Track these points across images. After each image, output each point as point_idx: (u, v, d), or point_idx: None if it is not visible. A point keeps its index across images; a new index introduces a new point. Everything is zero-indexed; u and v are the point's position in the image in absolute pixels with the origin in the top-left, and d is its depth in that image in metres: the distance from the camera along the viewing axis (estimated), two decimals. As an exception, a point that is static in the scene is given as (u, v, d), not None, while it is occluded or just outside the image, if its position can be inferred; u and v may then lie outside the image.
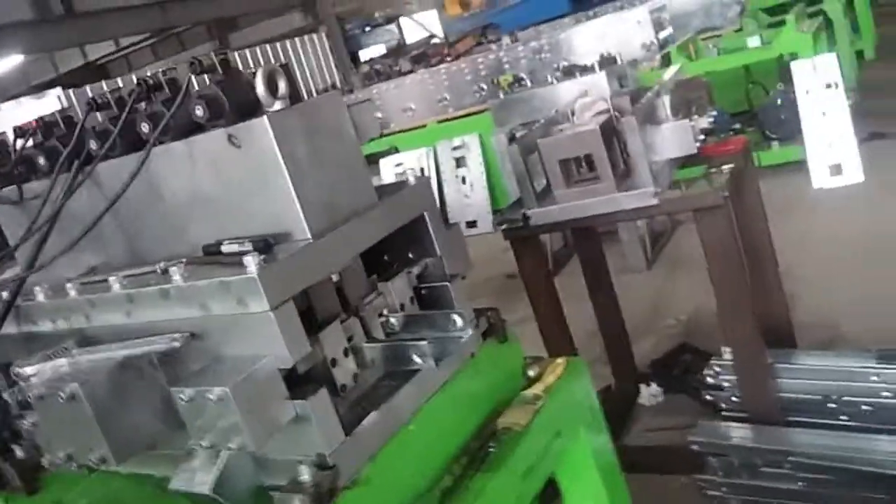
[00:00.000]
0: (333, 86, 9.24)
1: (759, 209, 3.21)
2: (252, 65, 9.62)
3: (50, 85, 11.66)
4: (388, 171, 6.13)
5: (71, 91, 7.81)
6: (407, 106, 6.43)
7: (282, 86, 1.46)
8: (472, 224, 5.89)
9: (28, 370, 1.53)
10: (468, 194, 5.95)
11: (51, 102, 7.77)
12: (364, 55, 16.01)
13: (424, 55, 9.61)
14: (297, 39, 10.68)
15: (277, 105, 1.44)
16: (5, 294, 1.69)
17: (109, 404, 1.41)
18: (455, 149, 6.03)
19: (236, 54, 9.55)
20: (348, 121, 1.58)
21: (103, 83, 7.97)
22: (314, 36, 11.11)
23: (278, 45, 10.60)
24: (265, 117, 1.40)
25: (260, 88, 1.43)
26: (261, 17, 15.41)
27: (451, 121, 6.13)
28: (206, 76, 1.51)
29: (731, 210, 2.62)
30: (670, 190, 2.68)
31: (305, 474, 1.31)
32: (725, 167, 2.71)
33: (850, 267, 4.32)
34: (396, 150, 6.04)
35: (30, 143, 1.80)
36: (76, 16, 12.17)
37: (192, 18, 13.28)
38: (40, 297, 1.68)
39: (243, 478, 1.43)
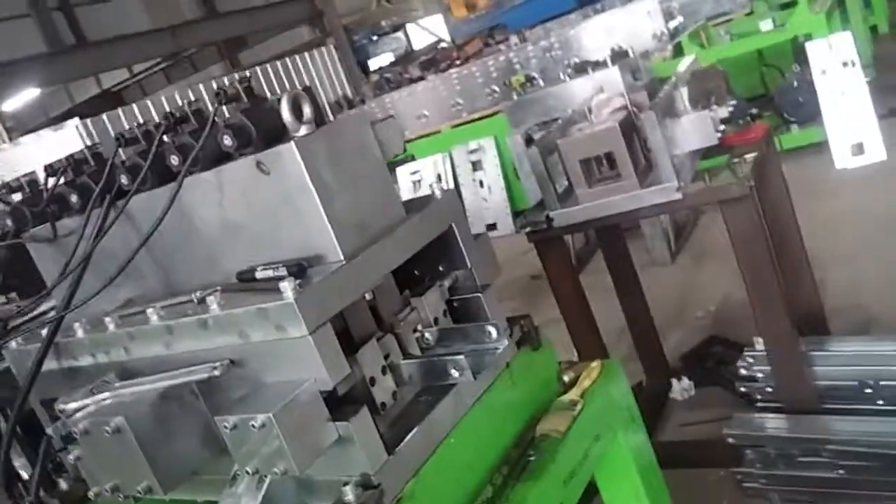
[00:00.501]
0: (345, 97, 9.27)
1: (784, 196, 3.19)
2: (264, 81, 9.69)
3: (67, 115, 11.83)
4: (405, 179, 6.15)
5: (89, 121, 7.90)
6: (420, 113, 6.44)
7: (307, 110, 1.47)
8: (492, 227, 5.88)
9: (72, 405, 1.56)
10: (486, 197, 5.95)
11: (69, 133, 7.86)
12: (373, 64, 16.06)
13: (434, 60, 9.63)
14: (306, 53, 10.73)
15: (304, 129, 1.46)
16: (44, 332, 1.72)
17: (154, 435, 1.43)
18: (471, 152, 6.03)
19: (247, 72, 9.64)
20: (373, 139, 1.59)
21: (119, 111, 8.04)
22: (323, 49, 11.16)
23: (288, 60, 10.66)
24: (292, 143, 1.42)
25: (286, 114, 1.45)
26: (269, 34, 15.53)
27: (465, 125, 6.12)
28: (230, 105, 1.54)
29: (756, 199, 2.60)
30: (693, 183, 2.67)
31: (350, 494, 1.32)
32: (748, 156, 2.69)
33: (879, 247, 4.27)
34: (413, 158, 6.04)
35: (61, 180, 1.84)
36: (88, 45, 12.36)
37: (202, 40, 13.42)
38: (80, 333, 1.71)
39: (287, 500, 1.45)
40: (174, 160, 1.57)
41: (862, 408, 2.71)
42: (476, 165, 6.10)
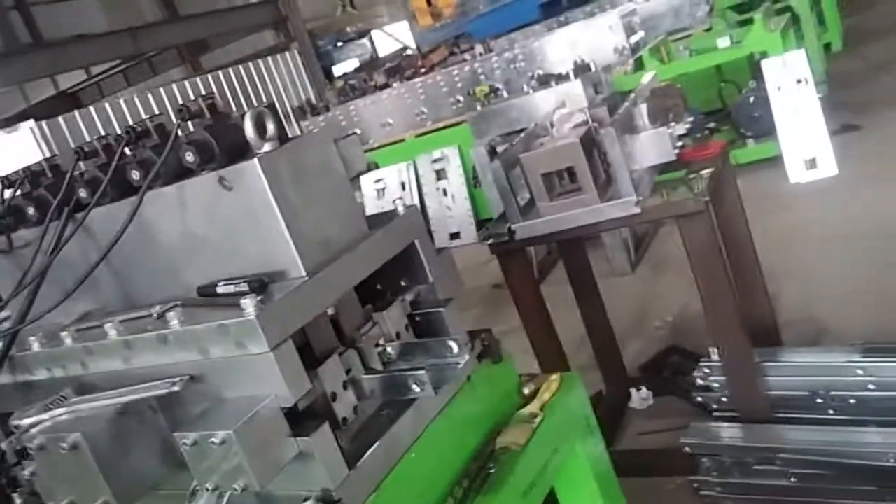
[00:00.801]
0: (308, 102, 9.23)
1: (739, 210, 3.27)
2: (226, 86, 9.60)
3: (22, 116, 11.56)
4: (369, 186, 6.14)
5: (44, 123, 7.74)
6: (385, 121, 6.47)
7: (270, 127, 1.48)
8: (455, 236, 5.90)
9: (27, 421, 1.54)
10: (450, 206, 5.97)
11: (24, 135, 7.69)
12: (337, 70, 16.01)
13: (399, 68, 9.64)
14: (269, 58, 10.67)
15: (267, 146, 1.47)
16: (-1, 343, 1.70)
17: (111, 451, 1.42)
18: (435, 161, 6.05)
19: (209, 76, 9.52)
20: (337, 156, 1.60)
21: (76, 113, 7.89)
22: (287, 54, 11.10)
23: (251, 64, 10.57)
24: (255, 159, 1.43)
25: (249, 131, 1.45)
26: (232, 38, 15.38)
27: (429, 134, 6.15)
28: (193, 120, 1.54)
29: (712, 214, 2.66)
30: (652, 197, 2.72)
31: None
32: (705, 171, 2.76)
33: (831, 261, 4.40)
34: (377, 166, 6.04)
35: (18, 192, 1.81)
36: (44, 45, 12.09)
37: (163, 43, 13.24)
38: (35, 347, 1.69)
39: (248, 514, 1.45)
40: (135, 175, 1.56)
41: (814, 417, 2.78)
42: (440, 174, 6.12)
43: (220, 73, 9.82)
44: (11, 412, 1.65)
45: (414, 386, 1.53)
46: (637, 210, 2.66)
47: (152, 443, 1.47)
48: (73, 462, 1.39)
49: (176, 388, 1.40)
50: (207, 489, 1.32)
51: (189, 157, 1.49)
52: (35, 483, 1.57)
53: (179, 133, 1.52)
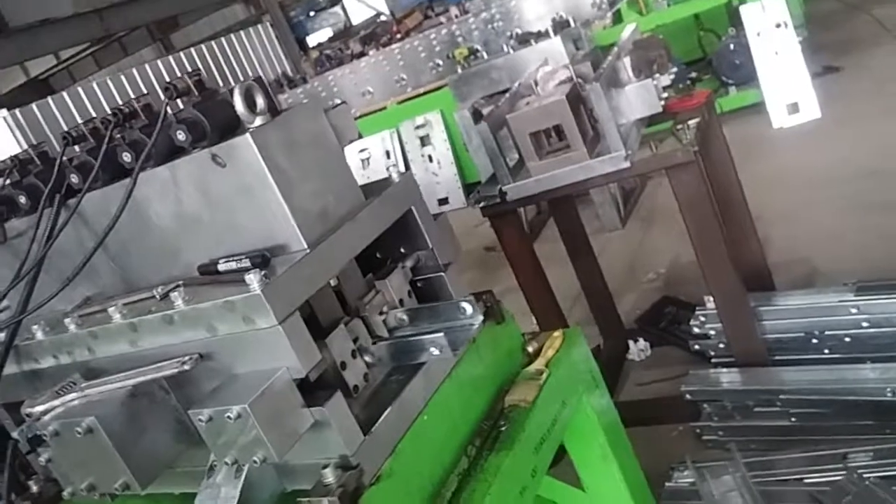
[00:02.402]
0: (285, 75, 9.10)
1: (727, 158, 3.29)
2: (200, 64, 9.44)
3: (-6, 106, 11.33)
4: (353, 157, 6.09)
5: (17, 111, 7.60)
6: (365, 89, 6.40)
7: (260, 101, 1.46)
8: (443, 201, 5.89)
9: (39, 408, 1.54)
10: (436, 172, 5.94)
11: (-4, 125, 7.54)
12: (312, 41, 15.79)
13: (374, 35, 9.55)
14: (241, 33, 10.47)
15: (258, 121, 1.45)
16: (1, 336, 1.69)
17: (126, 432, 1.43)
18: (418, 128, 6.01)
19: (182, 55, 9.35)
20: (328, 127, 1.59)
21: (49, 99, 7.74)
22: (259, 27, 10.90)
23: (223, 40, 10.38)
24: (248, 134, 1.41)
25: (239, 106, 1.44)
26: (202, 14, 15.08)
27: (410, 100, 6.10)
28: (182, 99, 1.52)
29: (701, 164, 2.68)
30: (641, 150, 2.73)
31: (330, 476, 1.35)
32: (691, 122, 2.76)
33: (819, 202, 4.44)
34: (360, 136, 6.00)
35: (7, 181, 1.79)
36: (10, 32, 11.79)
37: (132, 23, 12.94)
38: (39, 335, 1.68)
39: (267, 486, 1.47)
40: (126, 157, 1.54)
41: (810, 357, 2.84)
42: (424, 140, 6.08)
43: (192, 50, 9.63)
44: (20, 402, 1.66)
45: (432, 349, 1.54)
46: (627, 164, 2.66)
47: (166, 422, 1.48)
48: (90, 445, 1.40)
49: (186, 367, 1.40)
50: (226, 463, 1.34)
51: (180, 135, 1.48)
52: (51, 469, 1.58)
53: (168, 112, 1.50)
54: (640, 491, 2.08)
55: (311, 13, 16.89)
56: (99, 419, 1.38)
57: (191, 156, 1.50)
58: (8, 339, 1.66)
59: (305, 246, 1.46)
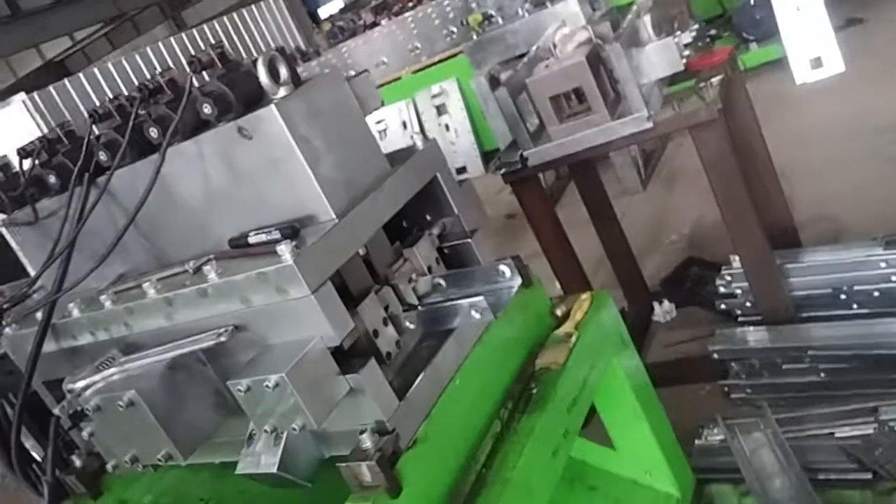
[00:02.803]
0: (298, 49, 9.06)
1: (751, 115, 3.23)
2: (213, 40, 9.41)
3: (12, 90, 11.41)
4: (371, 126, 6.08)
5: (36, 94, 7.64)
6: (379, 60, 6.36)
7: (283, 71, 1.46)
8: (461, 170, 5.87)
9: (80, 384, 1.57)
10: (454, 141, 5.92)
11: (16, 108, 7.58)
12: (323, 13, 15.67)
13: (386, 4, 9.42)
14: (253, 7, 10.40)
15: (282, 91, 1.45)
16: (39, 315, 1.72)
17: (167, 405, 1.46)
18: (434, 97, 5.97)
19: (195, 31, 9.32)
20: (351, 96, 1.59)
21: (66, 81, 7.77)
22: (270, 0, 10.82)
23: (235, 15, 10.32)
24: (272, 105, 1.42)
25: (263, 77, 1.44)
26: (212, -11, 15.01)
27: (425, 69, 6.05)
28: (206, 72, 1.52)
29: (725, 122, 2.64)
30: (663, 110, 2.69)
31: (368, 441, 1.37)
32: (714, 79, 2.71)
33: (843, 157, 4.36)
34: (382, 103, 5.97)
35: (36, 162, 1.81)
36: (24, 15, 11.83)
37: (144, 1, 12.94)
38: (76, 313, 1.71)
39: (306, 452, 1.50)
40: (153, 133, 1.55)
41: (838, 313, 2.82)
42: (440, 109, 6.05)
43: (205, 26, 9.60)
44: (59, 379, 1.70)
45: (473, 313, 1.55)
46: (649, 125, 2.63)
47: (205, 393, 1.51)
48: (131, 418, 1.43)
49: (223, 339, 1.42)
50: (266, 431, 1.36)
51: (206, 109, 1.48)
52: (94, 443, 1.62)
53: (194, 85, 1.51)
54: (672, 449, 2.10)
55: (319, -16, 16.74)
56: (140, 392, 1.41)
57: (217, 129, 1.50)
58: (45, 317, 1.69)
59: (334, 216, 1.47)
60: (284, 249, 1.34)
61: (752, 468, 2.02)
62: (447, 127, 6.09)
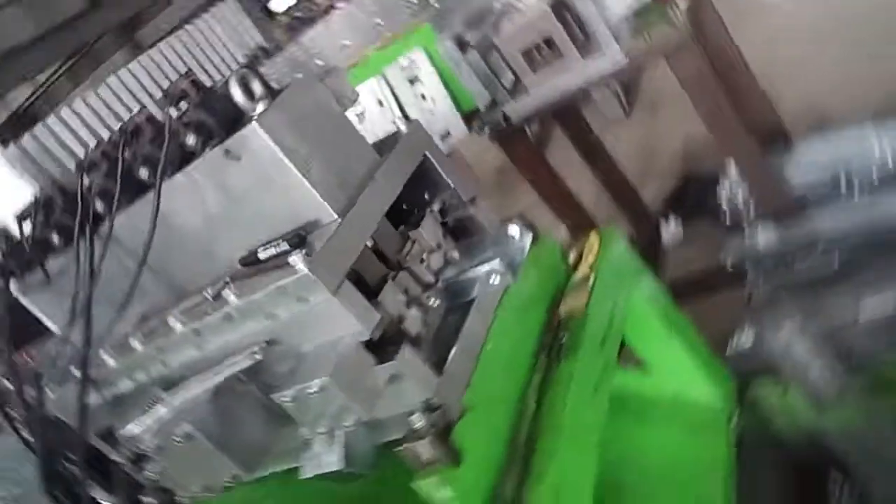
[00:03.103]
0: (260, 48, 8.98)
1: (721, 26, 3.22)
2: (175, 56, 9.33)
3: (-14, 151, 11.34)
4: (348, 112, 6.06)
5: (13, 146, 7.59)
6: (341, 43, 6.31)
7: (256, 86, 1.48)
8: (445, 136, 5.86)
9: (134, 429, 1.62)
10: (432, 109, 5.86)
11: (-2, 168, 7.54)
12: (275, 5, 15.47)
13: (336, -15, 9.29)
14: (205, 15, 10.29)
15: (260, 106, 1.47)
16: (75, 371, 1.76)
17: (221, 429, 1.51)
18: (404, 69, 5.93)
19: (156, 51, 9.26)
20: (328, 95, 1.61)
21: (40, 126, 7.72)
22: (221, 3, 10.69)
23: (188, 28, 10.21)
24: (254, 123, 1.43)
25: (238, 97, 1.46)
26: (162, 6, 14.80)
27: (390, 45, 6.00)
28: (180, 103, 1.54)
29: (698, 43, 2.63)
30: (634, 42, 2.68)
31: (418, 421, 1.41)
32: (680, 1, 2.70)
33: (821, 49, 4.33)
34: (357, 96, 5.93)
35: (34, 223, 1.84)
36: (-18, 71, 11.73)
37: (96, 32, 12.79)
38: (111, 362, 1.76)
39: (362, 444, 1.54)
40: (144, 173, 1.58)
41: (842, 202, 2.84)
42: (413, 81, 6.02)
43: (161, 45, 9.51)
44: (111, 427, 1.75)
45: (492, 278, 1.57)
46: (624, 60, 2.63)
47: (254, 409, 1.56)
48: (192, 450, 1.48)
49: (258, 357, 1.47)
50: (320, 433, 1.41)
51: (190, 140, 1.50)
52: (161, 481, 1.67)
53: (172, 119, 1.53)
54: (707, 360, 2.14)
55: (267, -22, 16.47)
56: (194, 424, 1.46)
57: (204, 157, 1.52)
58: (82, 375, 1.72)
59: (336, 216, 1.49)
60: (297, 259, 1.37)
61: (787, 361, 2.07)
62: (423, 96, 6.05)
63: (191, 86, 1.52)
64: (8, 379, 1.90)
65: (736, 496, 1.80)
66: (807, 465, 1.93)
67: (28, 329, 2.15)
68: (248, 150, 1.47)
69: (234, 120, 1.52)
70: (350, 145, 1.62)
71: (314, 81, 1.61)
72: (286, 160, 1.46)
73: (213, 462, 1.48)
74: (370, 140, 1.75)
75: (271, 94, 1.51)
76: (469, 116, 5.94)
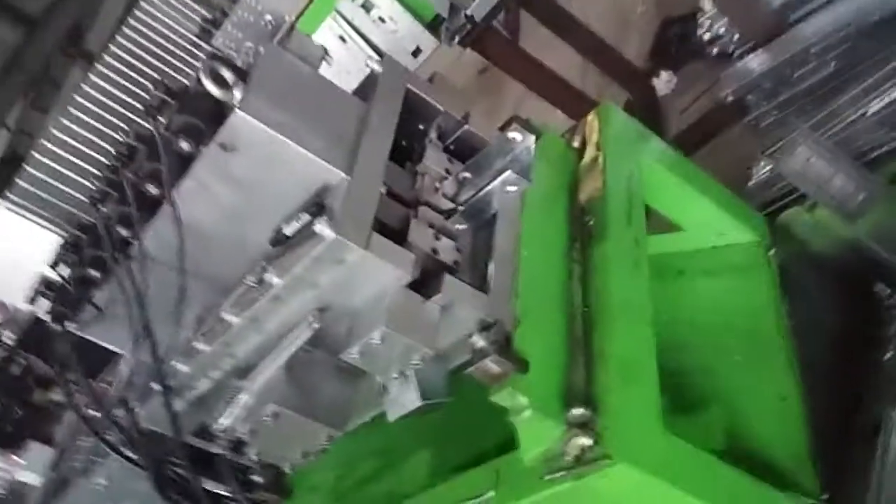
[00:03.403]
0: (206, 20, 8.76)
1: None
2: (130, 52, 9.18)
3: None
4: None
5: (10, 194, 7.62)
6: (286, -9, 6.16)
7: (227, 74, 1.49)
8: (416, 52, 5.77)
9: (225, 422, 1.73)
10: (395, 29, 5.78)
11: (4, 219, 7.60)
12: (205, -28, 14.99)
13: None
14: (142, 3, 10.01)
15: (237, 92, 1.49)
16: (155, 386, 1.86)
17: (303, 400, 1.62)
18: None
19: (110, 58, 9.10)
20: (296, 59, 1.61)
21: (24, 167, 7.71)
22: (154, -11, 10.39)
23: (132, 20, 9.94)
24: (236, 111, 1.45)
25: (214, 91, 1.47)
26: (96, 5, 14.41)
27: (332, -23, 5.84)
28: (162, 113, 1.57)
29: None
30: None
31: (480, 341, 1.47)
32: None
33: None
34: (325, 51, 5.82)
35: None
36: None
37: (43, 55, 12.56)
38: (184, 368, 1.85)
39: (434, 376, 1.62)
40: (153, 189, 1.62)
41: (823, 4, 2.79)
42: (366, 6, 5.88)
43: (112, 46, 9.33)
44: (203, 424, 1.87)
45: (508, 188, 1.59)
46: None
47: (327, 373, 1.65)
48: (283, 426, 1.59)
49: (316, 325, 1.54)
50: (395, 377, 1.50)
51: (184, 145, 1.53)
52: (263, 459, 1.79)
53: (160, 131, 1.56)
54: (732, 202, 2.17)
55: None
56: (277, 402, 1.56)
57: (202, 157, 1.56)
58: (162, 386, 1.82)
59: (343, 175, 1.53)
60: (322, 227, 1.42)
61: (807, 180, 2.09)
62: (382, 19, 5.94)
63: (166, 93, 1.54)
64: (94, 409, 2.02)
65: (789, 323, 1.86)
66: (851, 279, 1.98)
67: (98, 358, 2.27)
68: (241, 138, 1.50)
69: (218, 113, 1.54)
70: (334, 101, 1.64)
71: (279, 52, 1.61)
72: (279, 136, 1.49)
73: (304, 430, 1.59)
74: (345, 80, 1.76)
75: (243, 76, 1.52)
76: (434, 25, 5.82)
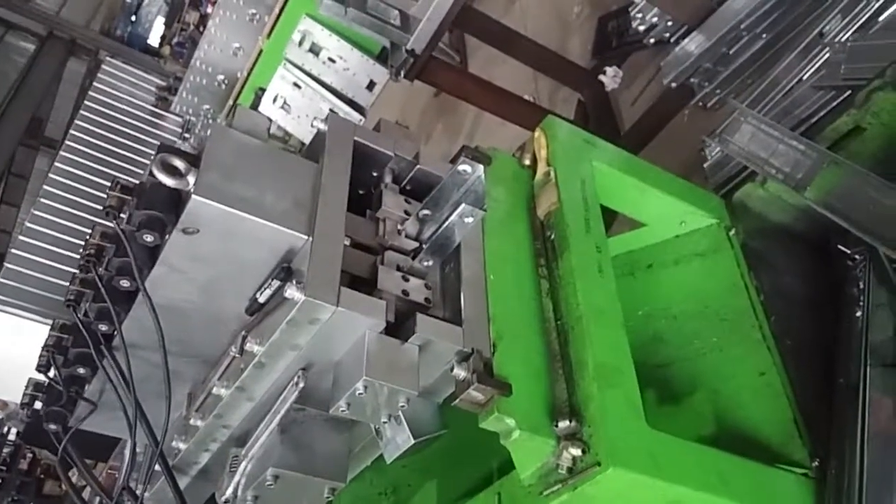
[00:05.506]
0: (162, 88, 8.87)
1: None
2: (92, 133, 9.22)
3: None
4: (272, 111, 6.02)
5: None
6: (233, 48, 6.26)
7: (178, 163, 1.54)
8: (371, 85, 5.83)
9: (228, 491, 1.76)
10: (346, 66, 5.84)
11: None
12: (153, 39, 15.09)
13: (195, -6, 9.06)
14: (97, 85, 10.07)
15: (190, 178, 1.54)
16: (158, 468, 1.89)
17: (301, 458, 1.65)
18: (301, 44, 5.87)
19: (71, 145, 9.13)
20: (243, 136, 1.66)
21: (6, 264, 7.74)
22: (105, 66, 10.45)
23: (89, 102, 10.02)
24: (193, 196, 1.50)
25: (167, 181, 1.52)
26: (51, 92, 14.51)
27: (273, 28, 5.92)
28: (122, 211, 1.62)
29: None
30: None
31: (461, 371, 1.51)
32: None
33: None
34: (270, 121, 5.88)
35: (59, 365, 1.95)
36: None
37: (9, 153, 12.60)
38: (182, 446, 1.89)
39: (424, 412, 1.67)
40: (126, 284, 1.66)
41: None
42: (314, 50, 5.96)
43: (76, 132, 9.37)
44: (209, 496, 1.90)
45: (465, 220, 1.61)
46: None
47: (320, 428, 1.69)
48: (285, 487, 1.63)
49: (301, 385, 1.59)
50: (385, 422, 1.54)
51: (147, 237, 1.58)
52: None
53: (124, 229, 1.60)
54: (688, 190, 2.22)
55: (132, 17, 15.96)
56: (276, 465, 1.59)
57: (167, 244, 1.60)
58: (164, 468, 1.85)
59: (305, 236, 1.57)
60: (292, 291, 1.46)
61: (753, 158, 2.14)
62: (331, 59, 6.01)
63: (122, 192, 1.59)
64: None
65: (760, 298, 1.91)
66: (812, 245, 2.03)
67: (106, 442, 2.29)
68: (201, 220, 1.55)
69: (176, 200, 1.58)
70: (285, 168, 1.69)
71: (225, 131, 1.66)
72: (238, 212, 1.54)
73: (307, 487, 1.63)
74: (308, 123, 1.79)
75: (194, 162, 1.57)
76: (383, 57, 5.88)
